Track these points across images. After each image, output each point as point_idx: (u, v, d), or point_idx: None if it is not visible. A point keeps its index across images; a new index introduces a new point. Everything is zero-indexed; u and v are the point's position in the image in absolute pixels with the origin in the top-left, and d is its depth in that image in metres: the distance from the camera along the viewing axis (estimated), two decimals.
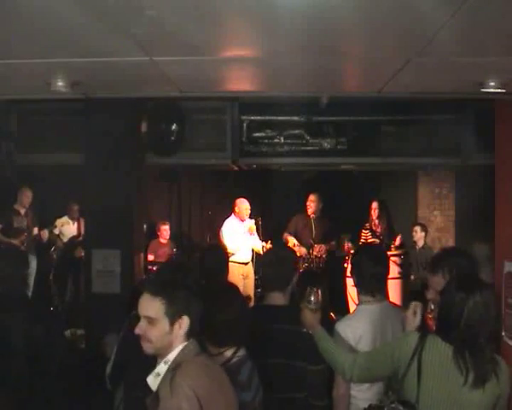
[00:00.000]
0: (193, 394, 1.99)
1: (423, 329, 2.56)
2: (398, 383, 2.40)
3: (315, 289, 2.83)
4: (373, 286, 3.00)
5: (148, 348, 2.15)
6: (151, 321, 2.12)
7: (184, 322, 2.13)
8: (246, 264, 7.12)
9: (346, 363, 2.59)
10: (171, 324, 2.12)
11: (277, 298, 2.96)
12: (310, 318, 2.77)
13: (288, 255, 3.18)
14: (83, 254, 7.64)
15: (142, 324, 2.13)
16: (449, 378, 2.26)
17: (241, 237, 7.08)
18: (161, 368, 2.12)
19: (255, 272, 7.18)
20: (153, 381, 2.12)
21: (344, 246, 7.04)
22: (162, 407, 2.01)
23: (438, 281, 2.75)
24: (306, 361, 2.79)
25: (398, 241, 6.86)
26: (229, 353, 2.48)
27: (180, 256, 7.10)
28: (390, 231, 6.97)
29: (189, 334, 2.16)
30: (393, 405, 2.36)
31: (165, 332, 2.12)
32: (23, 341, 3.02)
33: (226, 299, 2.58)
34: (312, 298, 2.80)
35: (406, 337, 2.45)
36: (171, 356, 2.13)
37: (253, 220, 7.24)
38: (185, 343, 2.15)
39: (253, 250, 7.23)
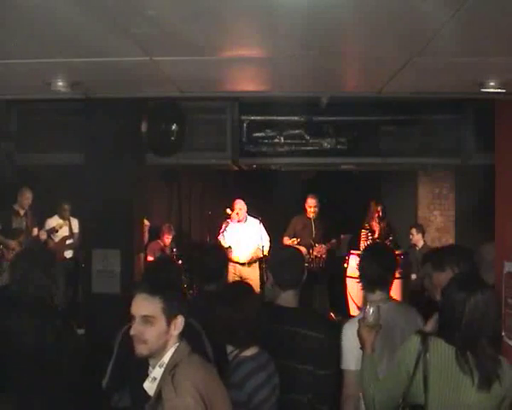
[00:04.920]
0: (195, 390, 2.02)
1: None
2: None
3: (374, 306, 2.64)
4: (380, 285, 3.01)
5: (142, 349, 2.13)
6: (148, 320, 2.11)
7: (179, 322, 2.15)
8: (242, 264, 7.09)
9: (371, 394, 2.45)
10: (168, 323, 2.13)
11: (290, 298, 2.95)
12: (366, 336, 2.58)
13: (300, 253, 3.21)
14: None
15: (138, 324, 2.12)
16: (456, 380, 2.22)
17: (234, 236, 7.10)
18: (157, 372, 2.13)
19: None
20: (150, 386, 2.13)
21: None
22: (169, 407, 2.03)
23: (447, 278, 2.73)
24: (316, 365, 2.78)
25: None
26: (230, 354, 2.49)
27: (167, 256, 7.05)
28: (389, 231, 6.98)
29: (180, 335, 2.18)
30: None
31: (162, 332, 2.12)
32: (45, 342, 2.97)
33: (226, 299, 2.58)
34: (372, 315, 2.59)
35: (406, 345, 2.38)
36: (166, 358, 2.14)
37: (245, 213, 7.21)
38: (177, 344, 2.17)
39: (262, 253, 7.02)
